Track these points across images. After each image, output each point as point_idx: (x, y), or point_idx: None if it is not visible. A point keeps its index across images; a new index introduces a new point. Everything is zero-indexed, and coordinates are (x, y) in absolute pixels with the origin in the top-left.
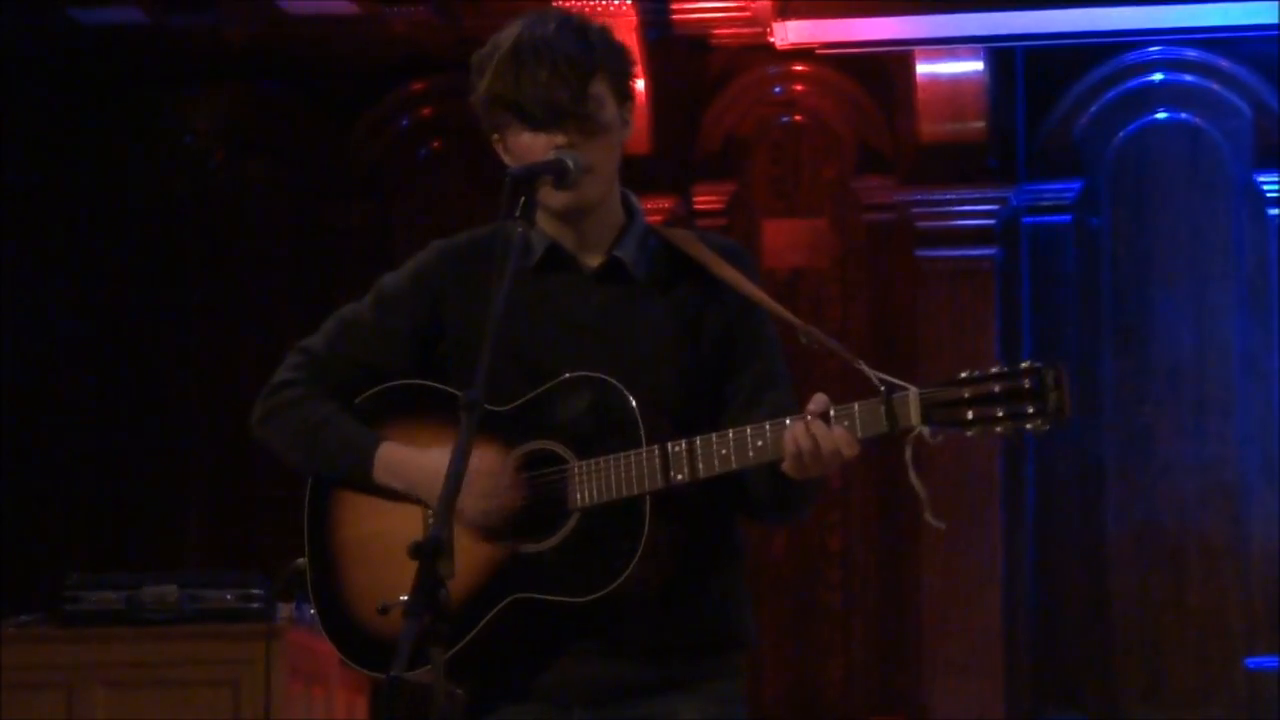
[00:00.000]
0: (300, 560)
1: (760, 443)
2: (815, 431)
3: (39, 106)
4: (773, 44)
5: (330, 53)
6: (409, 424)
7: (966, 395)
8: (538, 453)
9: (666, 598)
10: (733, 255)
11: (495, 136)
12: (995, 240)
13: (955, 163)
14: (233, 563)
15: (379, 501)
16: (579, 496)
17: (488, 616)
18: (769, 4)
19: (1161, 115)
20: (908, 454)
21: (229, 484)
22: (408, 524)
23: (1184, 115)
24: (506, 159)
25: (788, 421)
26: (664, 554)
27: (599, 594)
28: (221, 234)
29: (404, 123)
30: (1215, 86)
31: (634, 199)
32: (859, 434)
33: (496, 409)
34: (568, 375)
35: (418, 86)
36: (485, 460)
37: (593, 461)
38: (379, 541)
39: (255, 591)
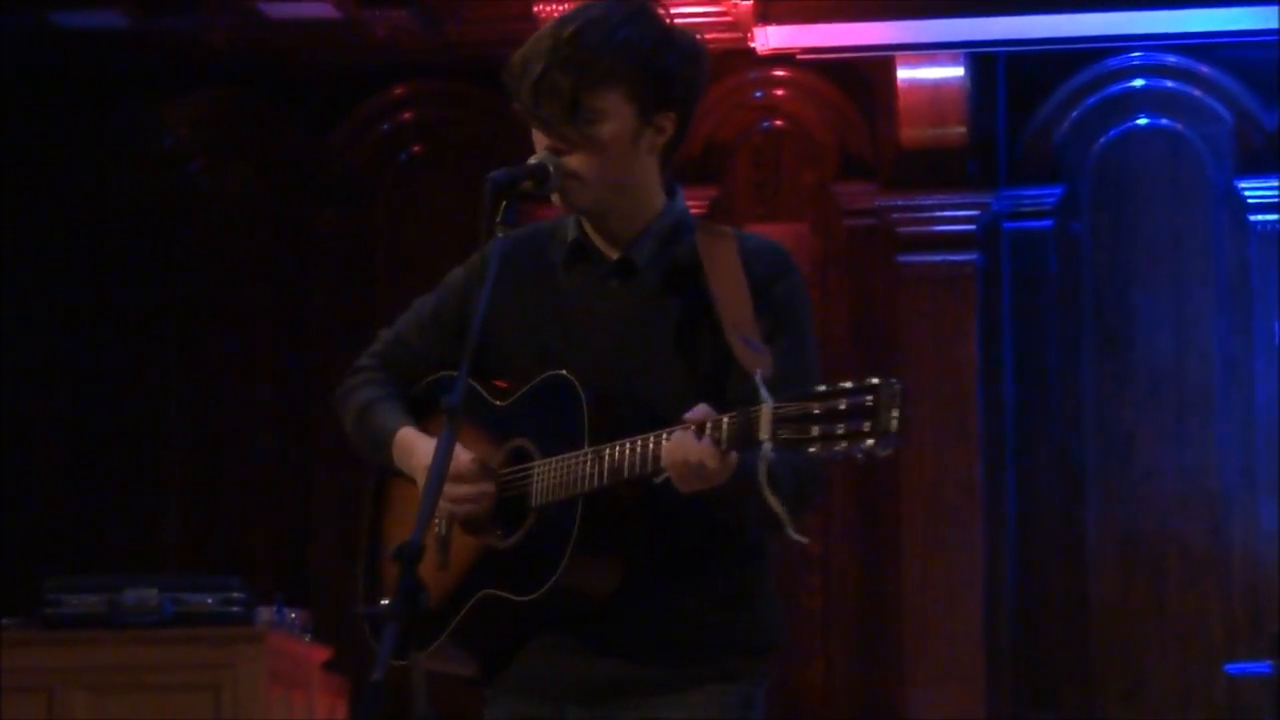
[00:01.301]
0: (361, 610)
1: (656, 450)
2: (685, 442)
3: (18, 110)
4: (754, 49)
5: (311, 58)
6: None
7: (816, 411)
8: (518, 449)
9: (651, 597)
10: (755, 259)
11: None
12: (976, 245)
13: (936, 168)
14: (212, 566)
15: (409, 491)
16: (537, 496)
17: (464, 609)
18: (750, 9)
19: (1142, 121)
20: (760, 470)
21: (208, 487)
22: (412, 517)
23: (1165, 121)
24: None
25: (674, 432)
26: (613, 554)
27: (535, 595)
28: (201, 238)
29: (385, 127)
30: (1196, 92)
31: (677, 191)
32: (723, 445)
33: (494, 403)
34: (550, 373)
35: (399, 91)
36: (459, 463)
37: (549, 461)
38: (399, 533)
39: (236, 595)
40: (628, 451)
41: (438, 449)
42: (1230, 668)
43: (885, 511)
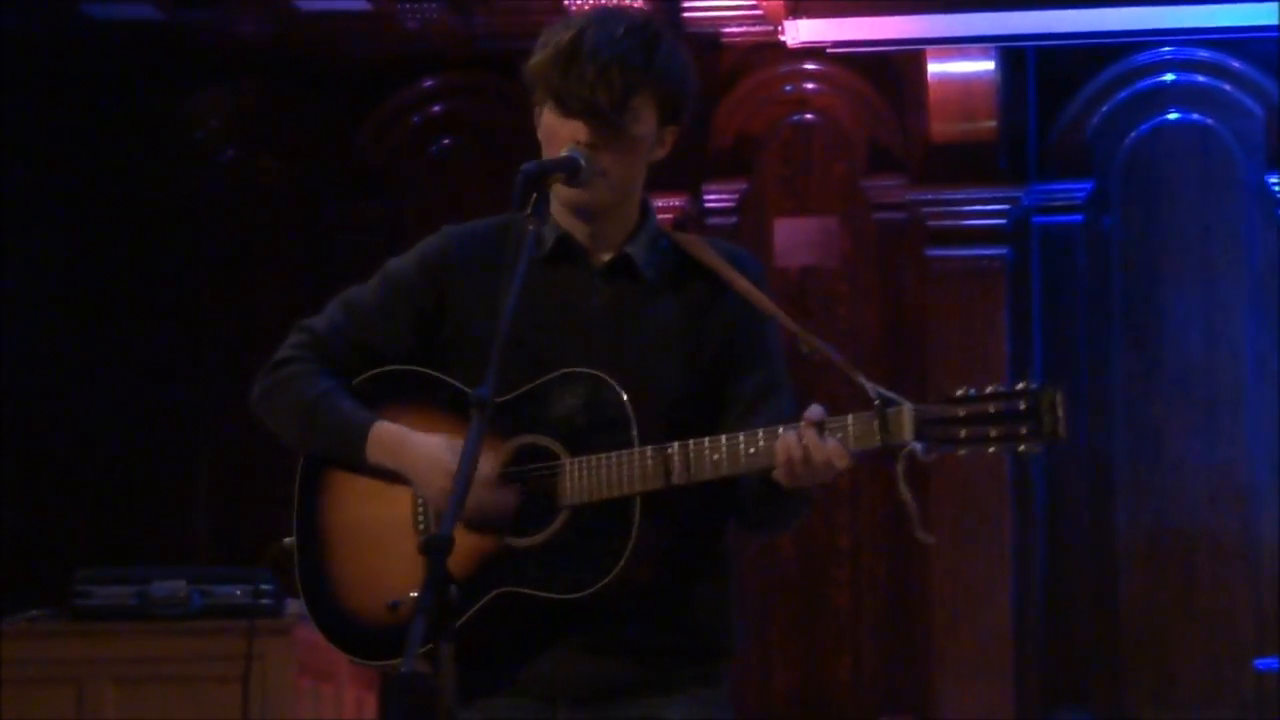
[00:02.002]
0: (287, 540)
1: (753, 450)
2: (807, 441)
3: (51, 101)
4: (784, 42)
5: (342, 49)
6: (403, 409)
7: (961, 414)
8: (529, 447)
9: (653, 599)
10: (741, 261)
11: (535, 106)
12: (1006, 240)
13: (966, 162)
14: (242, 557)
15: (368, 486)
16: (569, 494)
17: (474, 608)
18: (780, 2)
19: (1173, 115)
20: (900, 469)
21: (239, 479)
22: (395, 510)
23: (1195, 116)
24: (539, 132)
25: (781, 430)
26: (652, 556)
27: (585, 592)
28: (232, 230)
29: (415, 119)
30: (1227, 87)
31: (648, 201)
32: (850, 446)
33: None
34: (565, 370)
35: (428, 84)
36: (483, 472)
37: (584, 459)
38: (367, 528)
39: (265, 587)
40: (720, 449)
41: (467, 443)
42: (1259, 663)
43: None
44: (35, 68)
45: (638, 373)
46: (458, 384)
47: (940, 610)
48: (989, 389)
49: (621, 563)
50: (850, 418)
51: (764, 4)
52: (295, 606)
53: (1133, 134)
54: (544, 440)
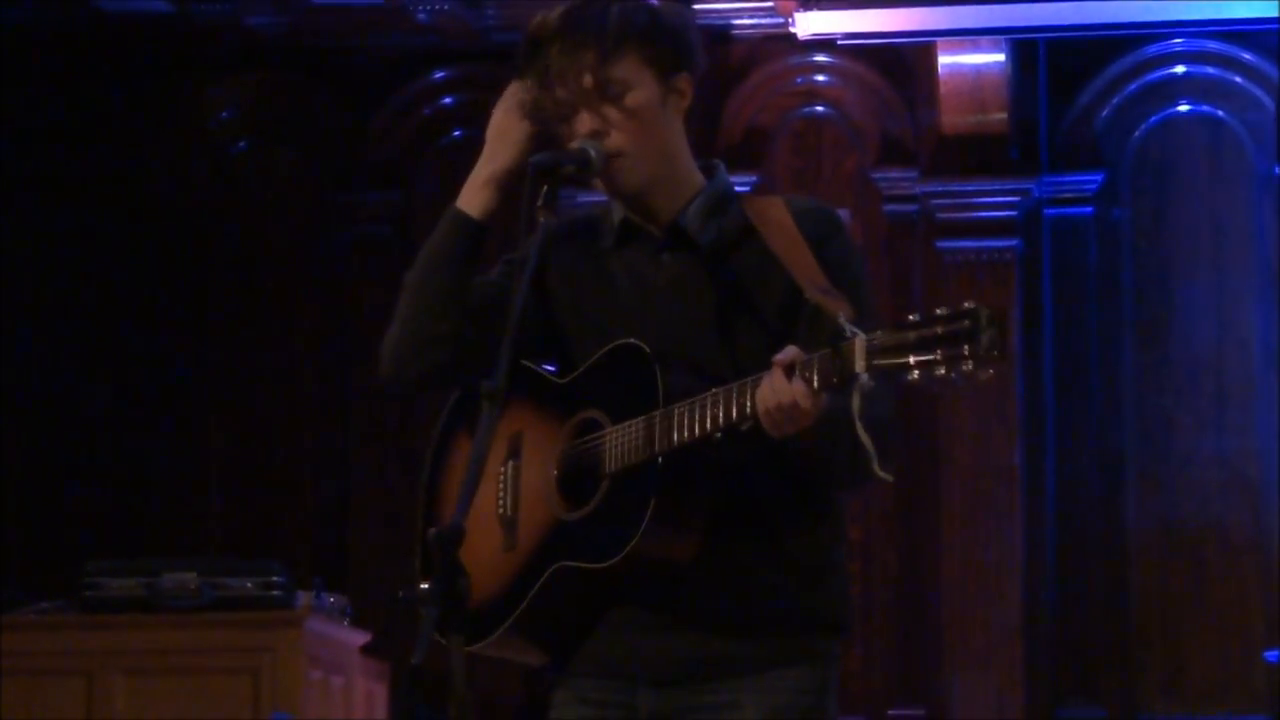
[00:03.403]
0: (401, 593)
1: (745, 400)
2: (775, 384)
3: (62, 93)
4: (794, 34)
5: (353, 42)
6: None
7: (911, 338)
8: (586, 421)
9: (727, 567)
10: (808, 220)
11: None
12: (1017, 232)
13: (977, 154)
14: (254, 549)
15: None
16: (609, 463)
17: (537, 585)
18: None
19: (1184, 107)
20: (855, 403)
21: (248, 471)
22: (483, 497)
23: (1206, 107)
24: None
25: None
26: (687, 524)
27: (609, 562)
28: (243, 221)
29: (426, 112)
30: (1238, 79)
31: (717, 165)
32: (817, 385)
33: (556, 381)
34: (613, 344)
35: (440, 76)
36: None
37: (620, 426)
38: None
39: (275, 579)
40: (708, 405)
41: (478, 433)
42: (1270, 655)
43: (924, 499)
44: (46, 61)
45: (689, 340)
46: (535, 369)
47: (950, 603)
48: (936, 311)
49: (640, 530)
50: (815, 356)
51: None
52: (305, 598)
53: (1143, 126)
54: (594, 413)
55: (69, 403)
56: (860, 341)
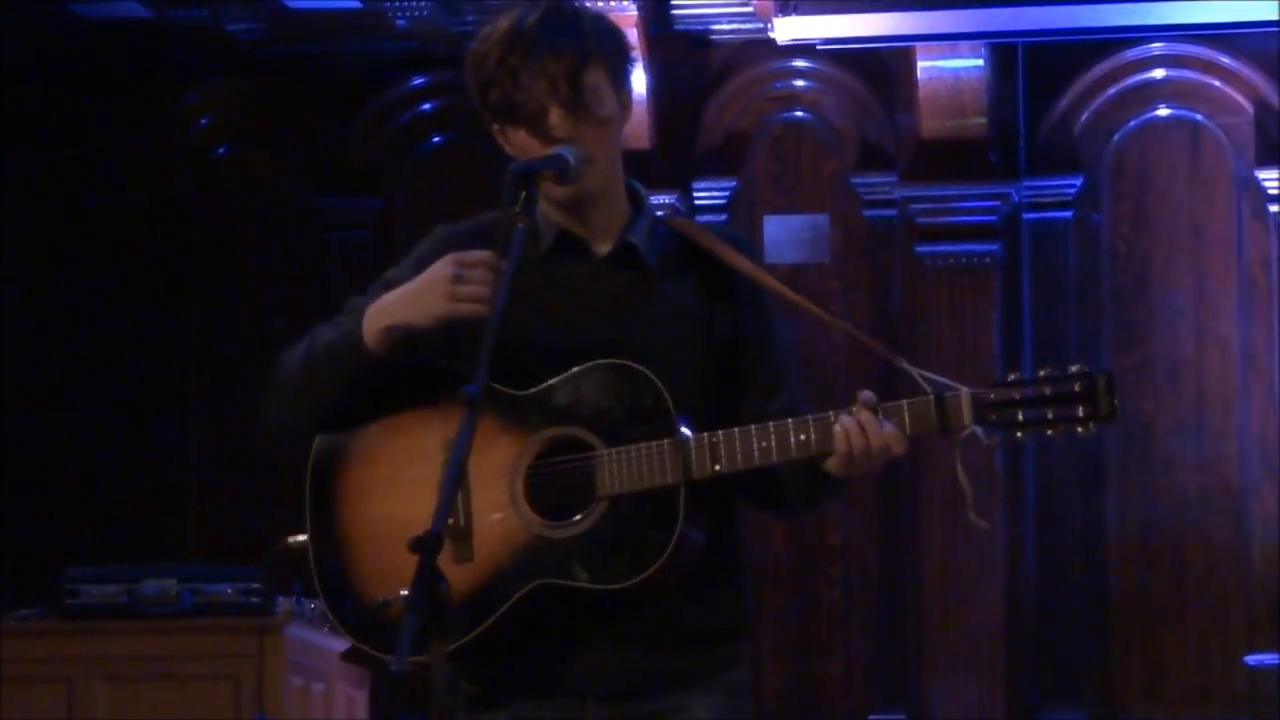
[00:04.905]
0: (292, 539)
1: (804, 437)
2: (867, 427)
3: (40, 101)
4: (773, 39)
5: (332, 47)
6: (418, 408)
7: (1018, 398)
8: (562, 438)
9: (676, 588)
10: (738, 243)
11: (495, 127)
12: (996, 236)
13: (956, 159)
14: (233, 556)
15: (389, 478)
16: (609, 484)
17: (511, 600)
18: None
19: (1163, 112)
20: (956, 454)
21: (228, 477)
22: (417, 503)
23: (1185, 112)
24: (507, 149)
25: (833, 416)
26: (693, 545)
27: (628, 582)
28: (223, 227)
29: (405, 118)
30: (1217, 83)
31: (640, 187)
32: (908, 431)
33: (514, 393)
34: (595, 362)
35: (419, 81)
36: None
37: (623, 449)
38: (389, 522)
39: (255, 586)
40: (755, 438)
41: (458, 438)
42: (1250, 659)
43: (905, 503)
44: (24, 67)
45: (651, 361)
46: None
47: (931, 607)
48: (1041, 373)
49: (668, 552)
50: (905, 403)
51: (754, 1)
52: (286, 605)
53: (1122, 130)
54: (576, 431)
55: (48, 409)
56: (966, 396)
